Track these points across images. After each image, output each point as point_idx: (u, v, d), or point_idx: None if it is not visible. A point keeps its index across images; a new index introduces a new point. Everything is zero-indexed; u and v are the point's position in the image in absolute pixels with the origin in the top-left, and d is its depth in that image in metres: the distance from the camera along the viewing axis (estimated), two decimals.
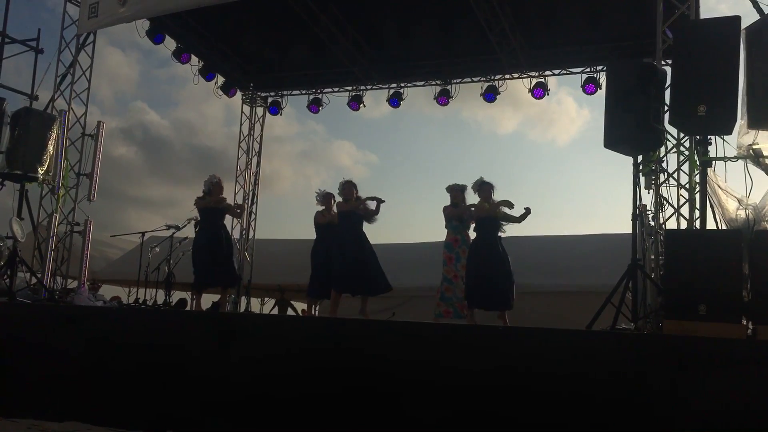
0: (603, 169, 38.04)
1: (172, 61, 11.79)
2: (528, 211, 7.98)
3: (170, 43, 11.67)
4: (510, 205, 8.00)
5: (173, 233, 9.14)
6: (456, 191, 8.41)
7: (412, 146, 42.28)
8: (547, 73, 11.69)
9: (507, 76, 11.86)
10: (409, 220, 37.34)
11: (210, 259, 8.20)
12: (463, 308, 8.06)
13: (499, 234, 8.06)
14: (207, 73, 12.46)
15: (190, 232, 9.46)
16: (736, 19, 5.63)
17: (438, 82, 12.29)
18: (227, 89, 13.07)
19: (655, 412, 4.65)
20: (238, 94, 13.69)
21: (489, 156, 39.53)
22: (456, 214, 8.31)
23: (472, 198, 8.33)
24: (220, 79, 12.94)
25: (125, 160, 40.95)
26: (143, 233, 9.49)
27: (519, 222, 8.10)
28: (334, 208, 8.62)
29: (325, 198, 8.77)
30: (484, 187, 8.10)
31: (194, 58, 12.15)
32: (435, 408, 5.17)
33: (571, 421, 4.81)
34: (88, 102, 9.87)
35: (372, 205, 8.27)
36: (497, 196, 8.11)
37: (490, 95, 11.91)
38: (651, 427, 4.64)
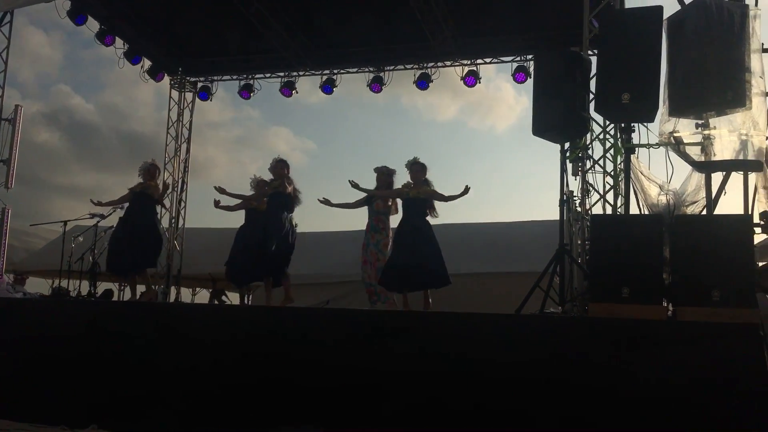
0: (538, 156, 38.85)
1: (98, 42, 11.37)
2: (465, 190, 7.60)
3: (93, 25, 11.25)
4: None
5: (98, 222, 8.84)
6: (381, 174, 8.19)
7: (351, 133, 42.08)
8: (479, 61, 11.82)
9: (440, 64, 11.94)
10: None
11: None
12: (382, 292, 7.99)
13: (427, 217, 7.79)
14: (133, 57, 12.06)
15: (115, 221, 9.18)
16: (658, 9, 5.79)
17: (371, 69, 12.26)
18: (154, 73, 12.68)
19: (582, 392, 4.77)
20: (167, 79, 13.31)
21: (429, 143, 39.72)
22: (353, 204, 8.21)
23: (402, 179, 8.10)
24: (147, 63, 12.54)
25: (49, 146, 39.40)
26: (65, 222, 9.16)
27: (446, 200, 7.74)
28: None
29: (258, 185, 8.45)
30: (414, 168, 7.83)
31: (119, 41, 11.74)
32: (367, 394, 5.17)
33: (501, 403, 4.89)
34: (5, 84, 9.42)
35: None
36: (438, 183, 7.93)
37: (422, 83, 11.97)
38: (577, 406, 4.75)
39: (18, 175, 9.30)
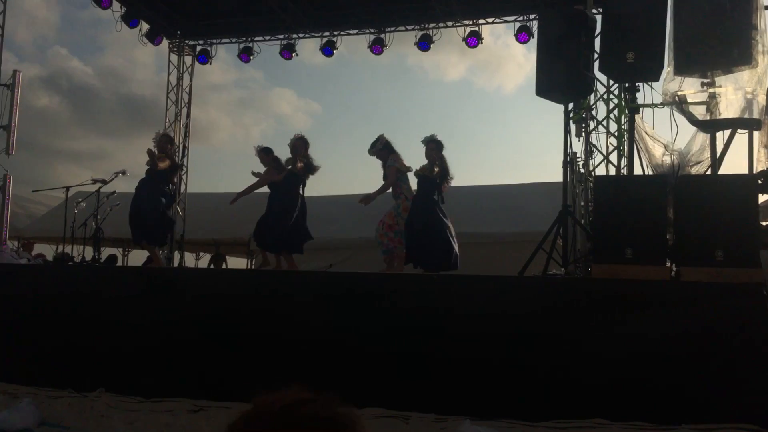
0: (544, 117, 38.44)
1: (95, 5, 11.19)
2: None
3: None
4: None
5: (100, 187, 8.82)
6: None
7: (356, 94, 41.63)
8: (481, 21, 11.63)
9: (441, 25, 11.76)
10: (354, 171, 37.15)
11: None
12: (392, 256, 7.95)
13: (435, 197, 7.64)
14: (130, 20, 11.86)
15: (118, 186, 9.19)
16: None
17: (371, 30, 12.09)
18: (152, 37, 12.51)
19: (585, 351, 4.80)
20: (165, 42, 13.15)
21: (435, 104, 39.29)
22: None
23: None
24: (145, 26, 12.37)
25: (49, 111, 39.18)
26: (68, 188, 9.13)
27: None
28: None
29: (260, 154, 8.37)
30: (428, 146, 7.74)
31: (116, 4, 11.56)
32: (356, 353, 5.22)
33: (511, 360, 4.93)
34: (2, 49, 9.31)
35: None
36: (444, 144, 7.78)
37: (424, 44, 11.79)
38: (583, 364, 4.79)
39: (18, 141, 9.26)
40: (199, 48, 13.32)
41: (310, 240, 8.12)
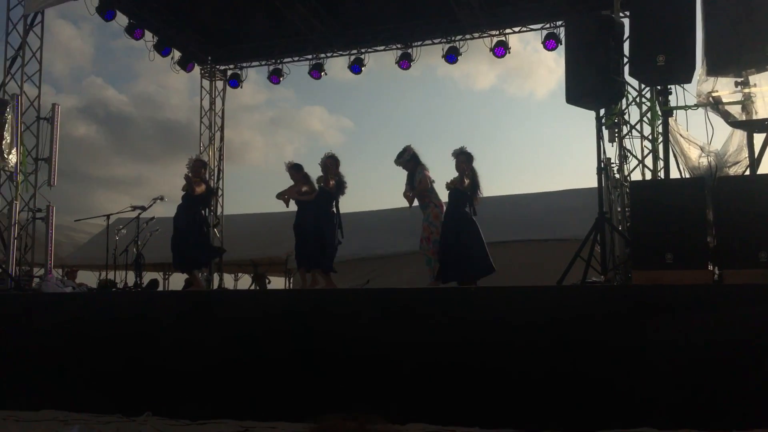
0: (577, 122, 38.10)
1: (128, 36, 11.46)
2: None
3: (122, 19, 11.34)
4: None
5: (139, 214, 9.00)
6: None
7: (387, 108, 41.74)
8: (508, 31, 11.62)
9: (467, 37, 11.77)
10: (388, 185, 37.27)
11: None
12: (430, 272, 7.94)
13: (466, 209, 7.70)
14: (162, 49, 12.15)
15: (156, 212, 9.36)
16: None
17: (398, 45, 12.16)
18: (184, 64, 12.77)
19: (630, 359, 4.73)
20: (197, 68, 13.40)
21: (467, 114, 39.18)
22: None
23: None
24: (177, 54, 12.63)
25: (87, 141, 40.08)
26: (108, 216, 9.34)
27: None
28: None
29: (290, 170, 8.50)
30: (458, 158, 7.79)
31: (148, 33, 11.83)
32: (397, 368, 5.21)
33: (555, 371, 4.88)
34: (41, 83, 9.59)
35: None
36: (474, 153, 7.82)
37: (451, 56, 11.83)
38: (629, 373, 4.72)
39: (59, 171, 9.50)
40: (230, 72, 13.56)
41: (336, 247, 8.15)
